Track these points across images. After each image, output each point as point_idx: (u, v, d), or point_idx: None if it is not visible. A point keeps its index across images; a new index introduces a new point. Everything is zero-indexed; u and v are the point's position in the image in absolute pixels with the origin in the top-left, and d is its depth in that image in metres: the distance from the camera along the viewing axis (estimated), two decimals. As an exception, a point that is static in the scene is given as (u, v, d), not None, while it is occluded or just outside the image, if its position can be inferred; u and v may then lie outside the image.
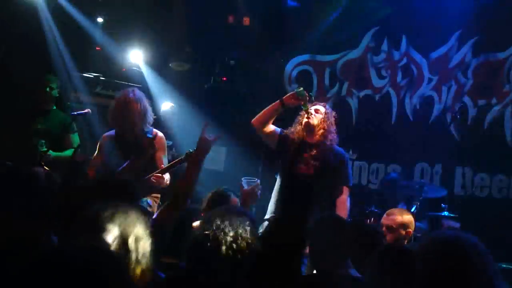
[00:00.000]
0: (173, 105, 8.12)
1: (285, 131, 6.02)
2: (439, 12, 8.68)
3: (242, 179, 4.82)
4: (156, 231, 3.03)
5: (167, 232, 3.57)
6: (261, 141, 6.15)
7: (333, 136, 5.93)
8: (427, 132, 8.67)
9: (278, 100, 5.87)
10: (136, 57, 8.73)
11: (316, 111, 5.94)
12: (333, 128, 5.94)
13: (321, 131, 5.89)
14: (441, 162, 8.59)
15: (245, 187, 4.66)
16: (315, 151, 5.84)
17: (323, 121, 5.92)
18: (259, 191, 4.69)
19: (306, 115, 5.87)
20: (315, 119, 5.88)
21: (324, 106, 6.06)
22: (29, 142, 6.70)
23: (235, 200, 5.66)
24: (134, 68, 8.76)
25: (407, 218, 5.26)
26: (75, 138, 6.86)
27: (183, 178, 3.90)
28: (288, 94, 5.93)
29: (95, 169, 5.88)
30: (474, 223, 7.24)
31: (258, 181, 4.78)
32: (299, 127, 5.96)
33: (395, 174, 8.38)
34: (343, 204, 5.75)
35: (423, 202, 7.36)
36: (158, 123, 6.84)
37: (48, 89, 6.91)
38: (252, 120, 5.93)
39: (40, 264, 1.68)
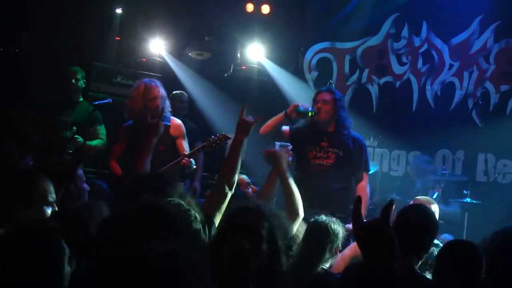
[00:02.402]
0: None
1: (295, 126, 5.99)
2: (460, -3, 8.61)
3: (276, 142, 4.91)
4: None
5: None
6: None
7: (348, 122, 5.90)
8: (449, 118, 8.59)
9: (283, 113, 5.82)
10: (157, 47, 8.76)
11: (324, 102, 5.85)
12: (345, 113, 5.91)
13: (334, 120, 5.86)
14: (463, 148, 8.53)
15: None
16: (333, 139, 5.82)
17: (334, 110, 5.86)
18: (290, 158, 4.67)
19: (314, 116, 5.82)
20: (324, 113, 5.84)
21: (331, 92, 5.97)
22: (57, 133, 6.75)
23: (242, 179, 5.70)
24: (154, 57, 8.79)
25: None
26: (102, 130, 6.90)
27: (227, 163, 3.85)
28: (290, 107, 5.85)
29: (116, 158, 5.96)
30: (497, 210, 7.20)
31: (291, 146, 4.81)
32: (311, 121, 5.93)
33: (427, 157, 8.31)
34: (363, 191, 5.73)
35: (445, 188, 7.34)
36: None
37: (74, 80, 6.93)
38: (260, 131, 5.85)
39: (119, 268, 1.59)
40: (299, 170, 5.87)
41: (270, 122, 5.92)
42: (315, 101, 5.89)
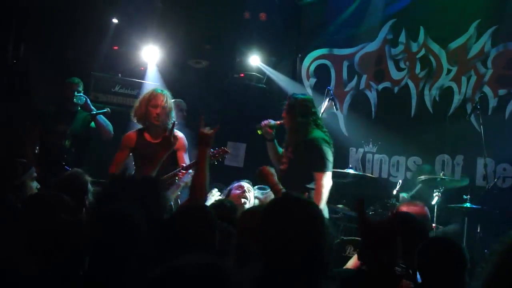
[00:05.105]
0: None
1: None
2: (457, 2, 8.61)
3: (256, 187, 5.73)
4: None
5: None
6: (281, 138, 6.31)
7: (302, 126, 6.10)
8: (447, 123, 8.59)
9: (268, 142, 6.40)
10: (150, 54, 8.73)
11: (284, 111, 6.24)
12: (302, 117, 6.11)
13: (291, 130, 6.19)
14: (462, 153, 8.52)
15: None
16: (291, 145, 6.18)
17: (291, 116, 6.16)
18: None
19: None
20: (285, 121, 6.24)
21: (289, 99, 6.31)
22: (56, 143, 6.82)
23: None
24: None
25: None
26: (103, 119, 7.00)
27: (195, 173, 4.21)
28: (264, 129, 6.34)
29: (117, 165, 6.00)
30: (497, 214, 7.19)
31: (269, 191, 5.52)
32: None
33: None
34: (317, 190, 5.91)
35: (444, 194, 7.33)
36: None
37: (76, 92, 7.05)
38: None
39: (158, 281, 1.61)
40: None
41: (271, 155, 6.36)
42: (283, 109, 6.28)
